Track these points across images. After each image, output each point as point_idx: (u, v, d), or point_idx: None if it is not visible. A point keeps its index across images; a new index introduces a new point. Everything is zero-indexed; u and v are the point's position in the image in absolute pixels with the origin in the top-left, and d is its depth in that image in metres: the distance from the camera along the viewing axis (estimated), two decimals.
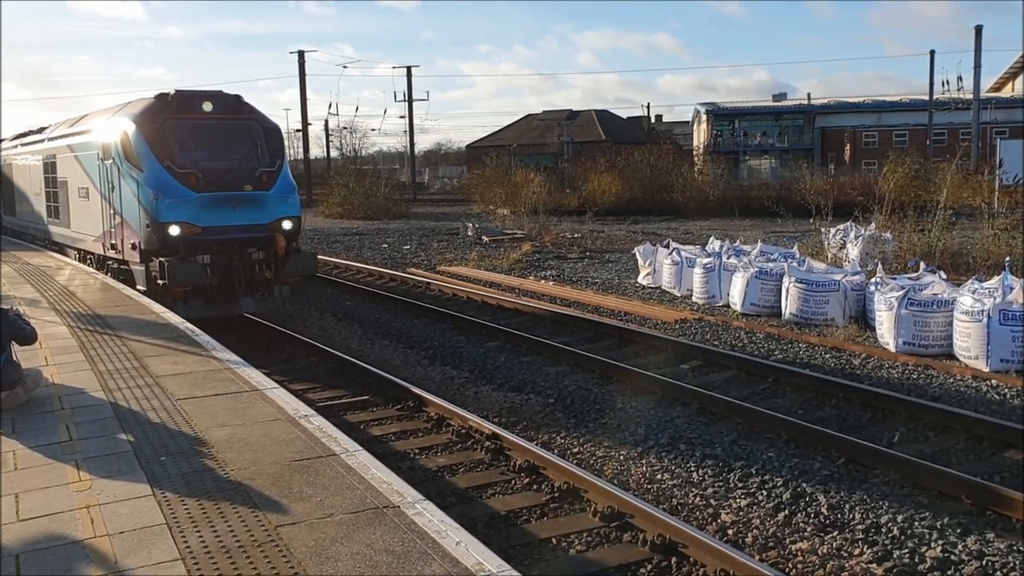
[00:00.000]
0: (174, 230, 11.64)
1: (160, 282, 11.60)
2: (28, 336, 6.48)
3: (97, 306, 10.52)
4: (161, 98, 12.55)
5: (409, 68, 60.87)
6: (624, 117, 78.07)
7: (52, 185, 16.83)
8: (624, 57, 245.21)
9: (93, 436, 5.36)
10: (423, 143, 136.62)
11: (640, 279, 17.17)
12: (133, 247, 12.25)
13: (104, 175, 13.15)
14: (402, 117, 65.82)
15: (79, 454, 5.04)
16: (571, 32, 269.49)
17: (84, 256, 15.65)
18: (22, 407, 6.02)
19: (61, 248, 17.36)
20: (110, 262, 13.70)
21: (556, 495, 6.47)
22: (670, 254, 15.87)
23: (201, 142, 12.50)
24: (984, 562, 5.45)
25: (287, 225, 12.57)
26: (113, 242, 13.10)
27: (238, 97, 13.12)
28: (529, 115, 75.54)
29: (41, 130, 19.11)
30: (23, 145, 19.90)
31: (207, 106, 12.59)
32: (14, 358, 6.18)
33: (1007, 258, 12.49)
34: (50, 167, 16.79)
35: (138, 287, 12.22)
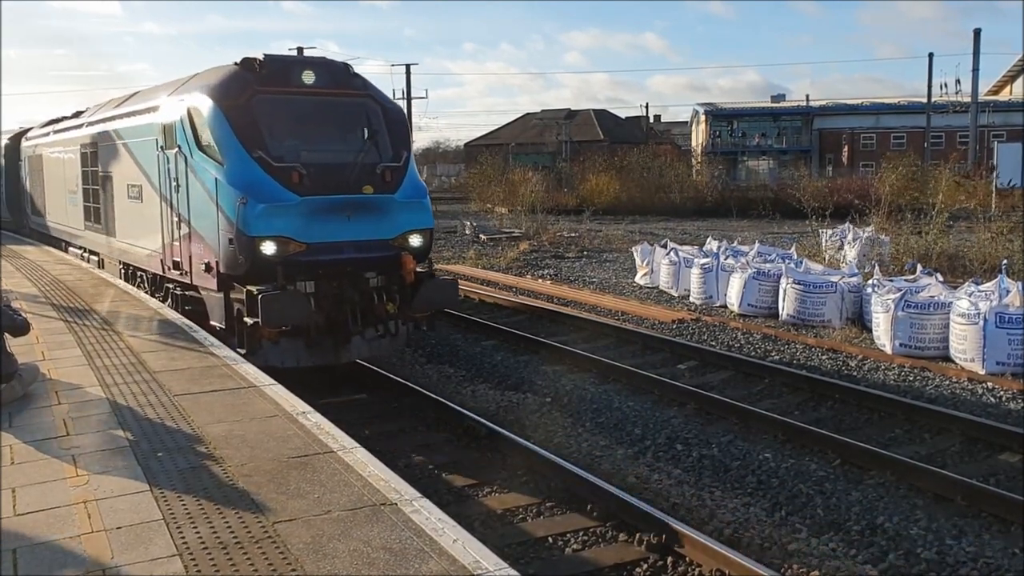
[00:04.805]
0: (268, 248, 8.50)
1: (248, 320, 8.55)
2: (21, 327, 6.46)
3: (94, 301, 10.49)
4: (247, 65, 9.30)
5: (408, 66, 60.65)
6: (623, 117, 78.13)
7: (91, 181, 13.45)
8: (612, 56, 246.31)
9: (90, 432, 5.35)
10: (421, 141, 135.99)
11: (637, 279, 17.19)
12: (207, 268, 9.04)
13: (166, 169, 9.91)
14: None
15: (76, 449, 5.02)
16: (557, 31, 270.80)
17: (132, 273, 12.23)
18: (19, 402, 6.01)
19: (100, 260, 14.15)
20: (171, 286, 10.36)
21: (552, 495, 6.48)
22: (668, 254, 15.88)
23: (302, 125, 9.44)
24: (979, 563, 5.47)
25: (416, 241, 9.40)
26: (176, 259, 9.81)
27: (347, 67, 9.89)
28: (527, 114, 75.59)
29: (77, 114, 15.88)
30: (55, 133, 16.56)
31: (308, 77, 9.38)
32: (8, 350, 6.17)
33: (1004, 261, 12.52)
34: (89, 159, 13.48)
35: (213, 322, 9.20)
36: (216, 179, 8.77)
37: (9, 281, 12.06)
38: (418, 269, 9.37)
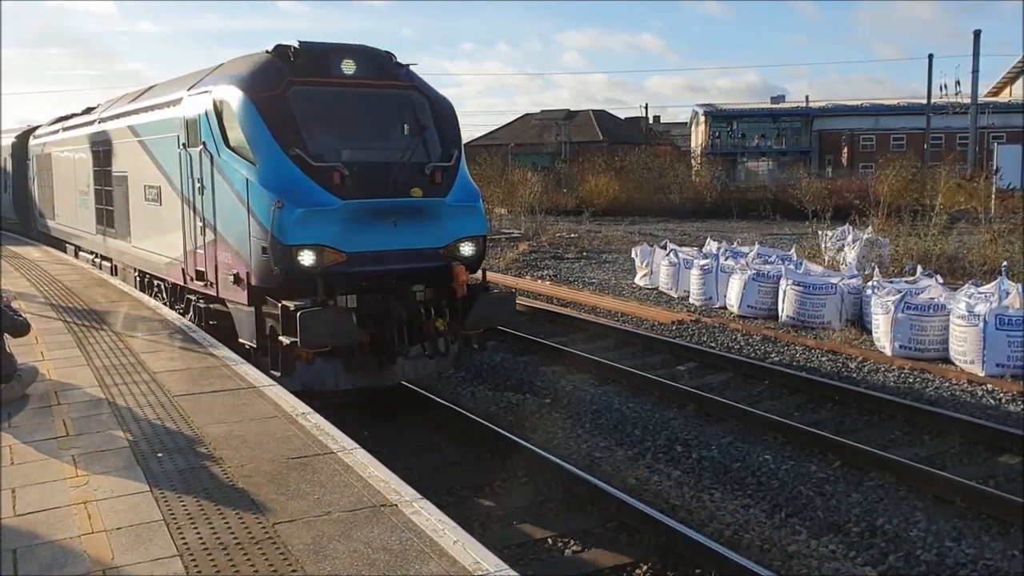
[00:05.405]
0: (307, 257, 7.61)
1: (284, 339, 7.64)
2: (21, 327, 6.46)
3: (93, 301, 10.48)
4: (280, 53, 8.36)
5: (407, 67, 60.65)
6: (622, 118, 78.14)
7: (105, 182, 12.54)
8: (609, 57, 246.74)
9: (90, 432, 5.34)
10: None
11: (637, 280, 17.19)
12: (236, 280, 8.16)
13: (188, 168, 9.02)
14: None
15: (76, 450, 5.02)
16: (555, 31, 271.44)
17: (149, 282, 11.26)
18: (19, 402, 6.01)
19: (113, 267, 13.15)
20: (193, 297, 9.50)
21: (552, 496, 6.48)
22: (667, 255, 15.89)
23: (343, 120, 8.47)
24: (979, 565, 5.48)
25: (469, 249, 8.59)
26: (200, 268, 8.94)
27: (390, 55, 8.96)
28: (527, 114, 75.49)
29: (89, 111, 15.09)
30: (65, 130, 15.62)
31: (348, 66, 8.43)
32: (8, 350, 6.17)
33: (1004, 263, 12.52)
34: (102, 157, 12.55)
35: (242, 340, 8.34)
36: (247, 180, 7.87)
37: (14, 283, 12.06)
38: (470, 281, 8.55)
